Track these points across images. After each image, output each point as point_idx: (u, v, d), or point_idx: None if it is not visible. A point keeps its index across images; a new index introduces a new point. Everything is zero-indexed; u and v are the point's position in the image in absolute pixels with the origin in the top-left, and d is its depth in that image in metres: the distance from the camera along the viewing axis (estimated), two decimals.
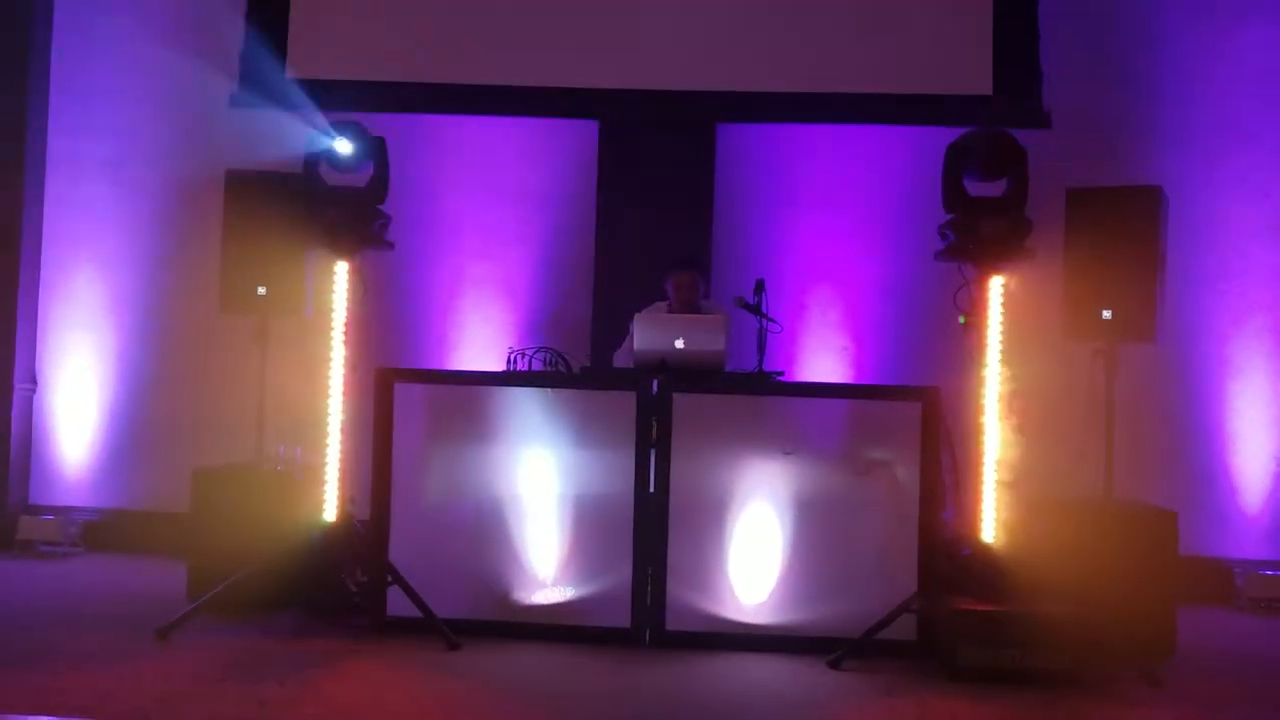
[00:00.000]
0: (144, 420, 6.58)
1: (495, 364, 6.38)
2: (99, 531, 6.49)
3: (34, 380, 6.66)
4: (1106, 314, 4.83)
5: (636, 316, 4.90)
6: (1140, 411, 6.07)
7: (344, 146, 4.71)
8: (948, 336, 4.95)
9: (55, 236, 6.71)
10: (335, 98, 6.27)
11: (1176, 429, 6.27)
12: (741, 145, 6.46)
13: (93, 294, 6.67)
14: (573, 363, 5.13)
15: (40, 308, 6.68)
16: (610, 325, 6.05)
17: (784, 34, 6.14)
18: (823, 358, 6.47)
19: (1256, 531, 6.27)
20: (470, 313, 6.60)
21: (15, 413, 6.55)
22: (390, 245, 4.97)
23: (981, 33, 6.07)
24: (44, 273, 6.70)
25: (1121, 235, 4.82)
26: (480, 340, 6.59)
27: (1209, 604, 5.96)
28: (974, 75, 6.06)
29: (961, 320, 4.63)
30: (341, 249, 4.74)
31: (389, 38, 6.28)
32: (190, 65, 6.58)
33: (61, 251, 6.70)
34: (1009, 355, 4.59)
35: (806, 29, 6.14)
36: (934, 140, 6.01)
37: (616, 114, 6.30)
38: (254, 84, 6.26)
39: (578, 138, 6.48)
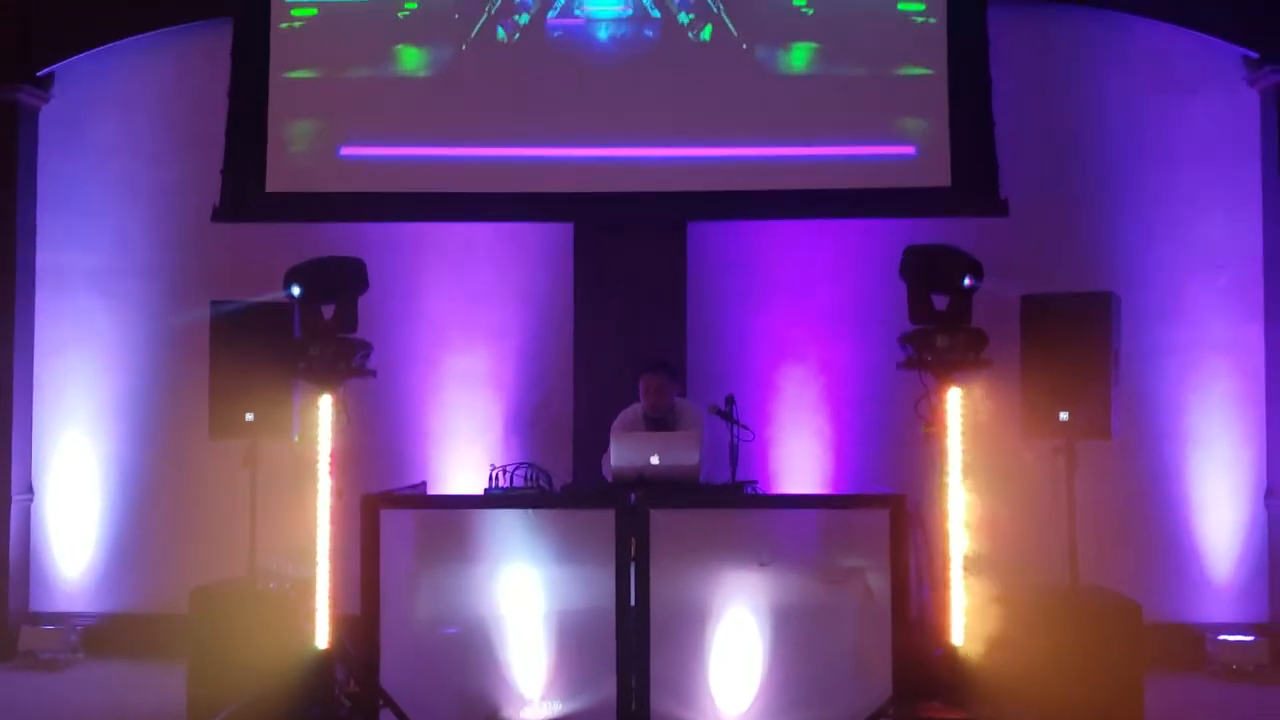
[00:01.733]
0: (140, 528, 6.75)
1: (484, 455, 6.58)
2: (99, 636, 6.65)
3: (30, 490, 6.82)
4: (1064, 415, 5.03)
5: (613, 436, 5.07)
6: (1105, 496, 6.28)
7: (296, 291, 4.86)
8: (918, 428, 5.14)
9: (46, 347, 6.88)
10: (314, 209, 6.50)
11: (1142, 506, 6.47)
12: (712, 241, 6.66)
13: (86, 403, 6.84)
14: (554, 477, 5.31)
15: (34, 416, 6.85)
16: (591, 417, 6.24)
17: (750, 134, 6.34)
18: (799, 437, 6.66)
19: (1225, 597, 6.47)
20: (457, 406, 6.78)
21: (14, 523, 6.71)
22: (372, 374, 5.15)
23: (939, 127, 6.28)
24: (36, 382, 6.87)
25: (1075, 340, 5.02)
26: (467, 433, 6.76)
27: (1182, 671, 6.16)
28: (933, 169, 6.26)
29: (924, 429, 4.82)
30: (324, 384, 4.91)
31: (366, 151, 6.46)
32: (173, 181, 6.79)
33: (53, 362, 6.88)
34: (971, 461, 4.79)
35: (772, 129, 6.34)
36: (897, 229, 6.29)
37: (589, 216, 6.49)
38: (235, 199, 6.44)
39: (554, 238, 6.68)
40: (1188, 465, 6.50)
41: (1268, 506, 6.40)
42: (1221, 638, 6.20)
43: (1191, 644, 6.30)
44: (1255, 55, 6.42)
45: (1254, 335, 6.50)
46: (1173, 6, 6.48)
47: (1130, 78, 6.62)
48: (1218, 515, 6.48)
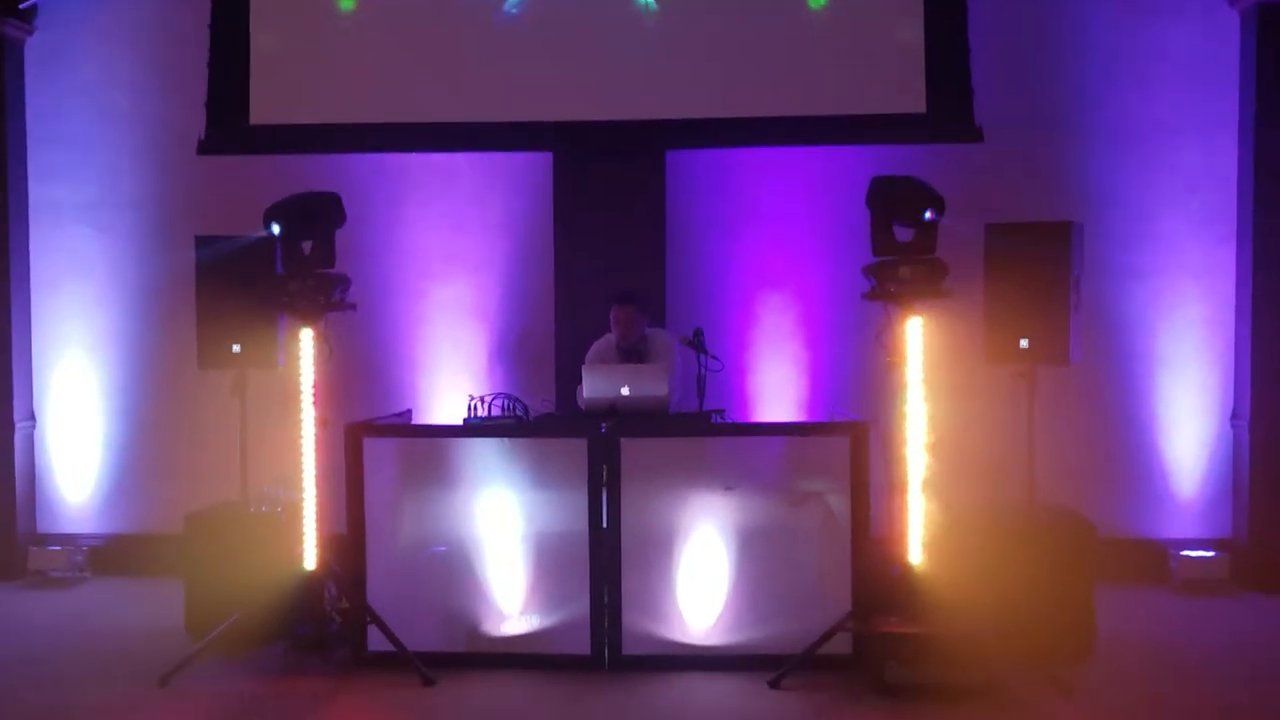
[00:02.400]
0: (138, 453, 6.99)
1: (469, 383, 6.77)
2: (103, 556, 6.93)
3: (33, 417, 7.05)
4: (1024, 342, 5.17)
5: (584, 368, 5.25)
6: (1074, 418, 6.47)
7: (275, 229, 4.99)
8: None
9: (42, 279, 7.05)
10: (297, 140, 6.60)
11: (1111, 426, 6.63)
12: (690, 170, 6.75)
13: (82, 333, 7.03)
14: (534, 405, 5.50)
15: (34, 346, 7.05)
16: (572, 346, 6.39)
17: (727, 63, 6.39)
18: (776, 363, 6.82)
19: (1190, 514, 6.66)
20: (442, 336, 6.94)
21: (18, 449, 6.95)
22: (352, 307, 5.29)
23: (914, 54, 6.32)
24: (34, 313, 7.05)
25: (1035, 268, 5.14)
26: (452, 362, 6.93)
27: (1145, 585, 6.39)
28: (908, 95, 6.32)
29: (887, 359, 4.96)
30: (305, 318, 5.07)
31: (347, 81, 6.54)
32: (158, 114, 6.89)
33: (49, 293, 7.05)
34: (934, 388, 4.94)
35: (748, 57, 6.38)
36: (873, 157, 6.38)
37: (569, 145, 6.57)
38: (220, 132, 6.55)
39: (533, 168, 6.77)
40: (1157, 387, 6.65)
41: (1233, 428, 6.56)
42: (1184, 553, 6.41)
43: (1157, 559, 6.52)
44: None
45: (1226, 259, 6.59)
46: None
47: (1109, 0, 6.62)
48: (1185, 436, 6.65)
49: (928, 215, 4.79)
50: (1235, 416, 6.54)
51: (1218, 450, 6.61)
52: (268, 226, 4.98)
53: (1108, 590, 5.85)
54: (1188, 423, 6.63)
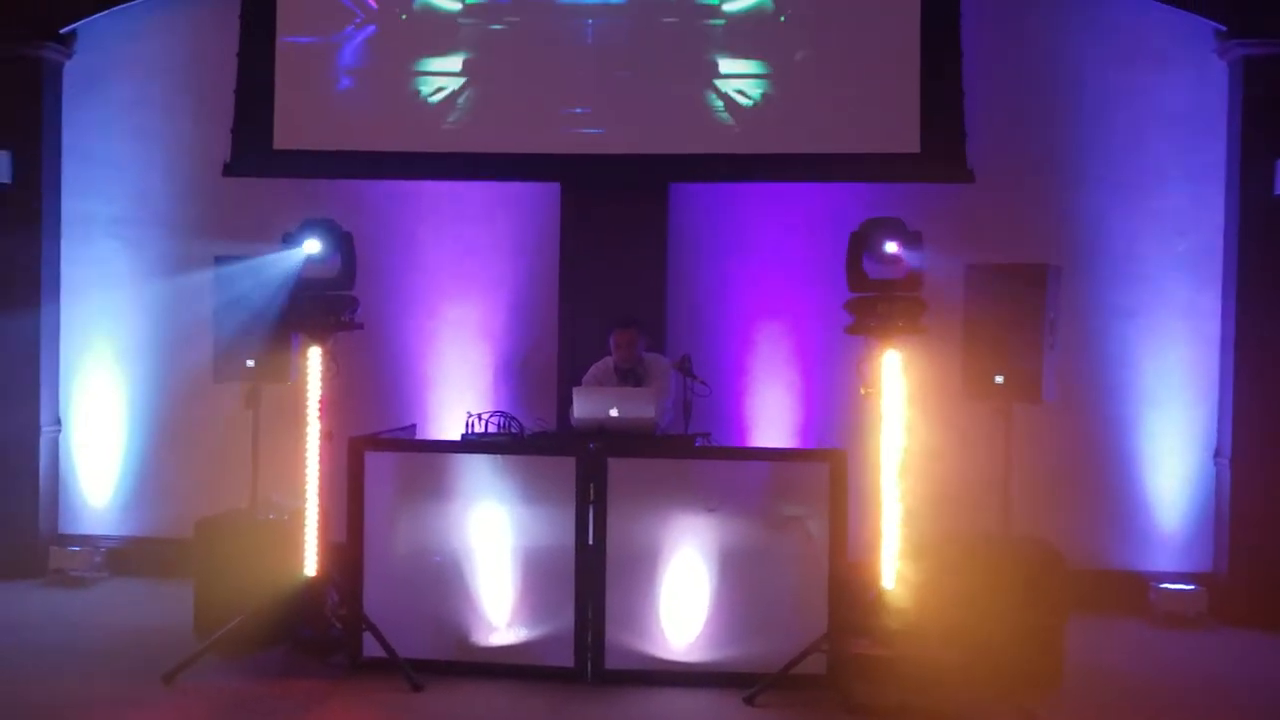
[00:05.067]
0: (155, 460, 7.29)
1: (474, 400, 7.03)
2: (120, 557, 7.22)
3: (58, 422, 7.37)
4: (999, 379, 5.37)
5: (575, 389, 5.50)
6: (1058, 451, 6.66)
7: (313, 246, 5.30)
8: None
9: (71, 290, 7.37)
10: (317, 165, 6.91)
11: (1097, 460, 6.81)
12: (692, 202, 7.00)
13: (107, 343, 7.35)
14: (530, 423, 5.76)
15: (60, 355, 7.37)
16: (574, 367, 6.64)
17: (728, 101, 6.65)
18: (772, 388, 7.04)
19: (1171, 548, 6.82)
20: (450, 354, 7.21)
21: (43, 452, 7.26)
22: (359, 326, 5.57)
23: (909, 96, 6.55)
24: (63, 323, 7.38)
25: (1012, 308, 5.34)
26: (459, 379, 7.19)
27: (1124, 616, 6.54)
28: (903, 135, 6.55)
29: (863, 391, 5.18)
30: (315, 335, 5.35)
31: (365, 111, 6.85)
32: (187, 137, 7.21)
33: (77, 304, 7.37)
34: (912, 421, 5.14)
35: (750, 95, 6.64)
36: (867, 194, 6.62)
37: (576, 177, 6.85)
38: (245, 155, 6.87)
39: (541, 197, 7.04)
40: (1142, 424, 6.81)
41: (1215, 465, 6.72)
42: (1163, 586, 6.56)
43: (1137, 592, 6.67)
44: (1224, 29, 6.59)
45: (1211, 301, 6.76)
46: None
47: (1103, 49, 6.82)
48: (1168, 471, 6.81)
49: (890, 249, 4.99)
50: (1218, 454, 6.70)
51: (1199, 486, 6.77)
52: (288, 244, 5.25)
53: (1086, 621, 6.04)
54: (1171, 459, 6.79)
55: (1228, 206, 6.70)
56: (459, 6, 6.81)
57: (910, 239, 5.01)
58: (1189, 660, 5.87)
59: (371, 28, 6.88)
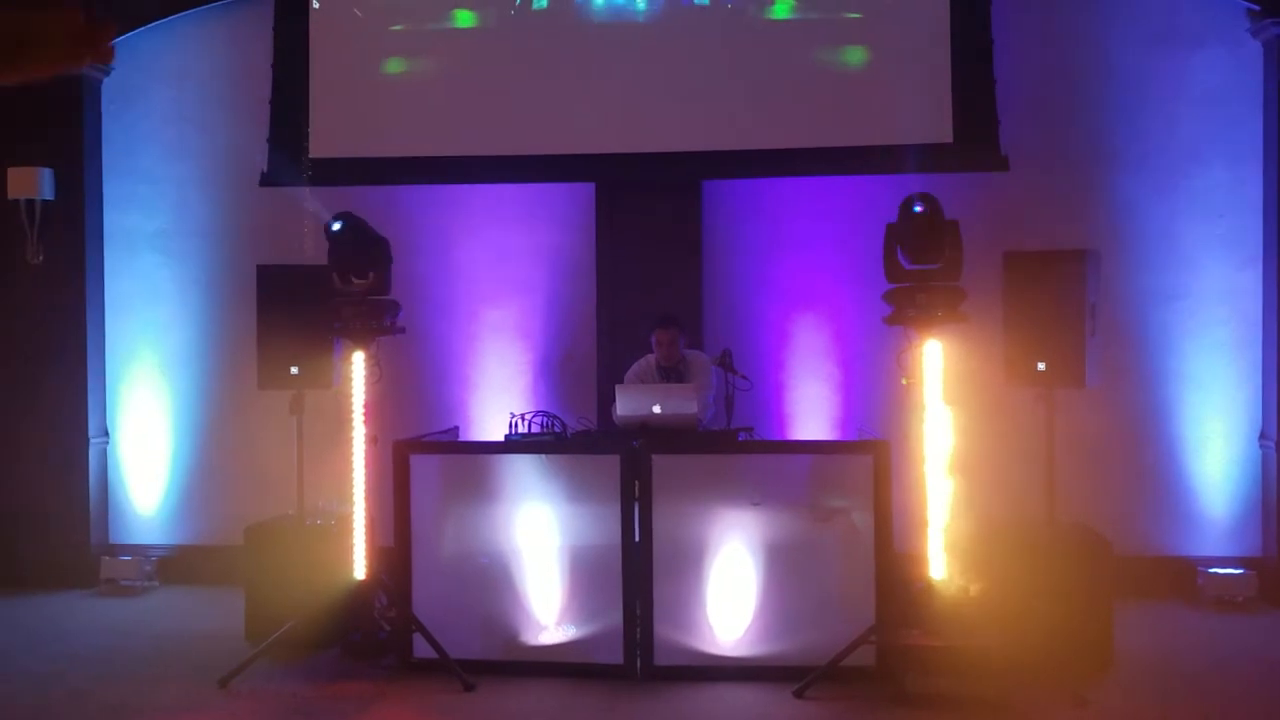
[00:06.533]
0: (202, 468, 7.39)
1: (515, 400, 7.08)
2: (170, 566, 7.32)
3: (106, 433, 7.48)
4: (1041, 366, 5.35)
5: (617, 387, 5.52)
6: (1104, 437, 6.62)
7: (336, 225, 5.31)
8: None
9: (115, 303, 7.49)
10: (354, 173, 6.97)
11: (1141, 445, 6.76)
12: (726, 198, 7.01)
13: (151, 354, 7.45)
14: (572, 421, 5.79)
15: (106, 366, 7.49)
16: (613, 365, 6.68)
17: (760, 96, 6.66)
18: (810, 382, 7.04)
19: (1219, 532, 6.76)
20: (490, 356, 7.26)
21: (93, 463, 7.38)
22: (401, 330, 5.62)
23: (941, 86, 6.53)
24: (108, 336, 7.49)
25: (1052, 294, 5.33)
26: (500, 380, 7.25)
27: (1173, 602, 6.50)
28: (935, 126, 6.53)
29: (904, 381, 5.18)
30: (358, 341, 5.41)
31: (400, 117, 6.90)
32: (224, 148, 7.31)
33: (121, 316, 7.48)
34: (955, 409, 5.14)
35: (780, 90, 6.65)
36: (901, 186, 6.56)
37: (610, 176, 6.88)
38: (281, 163, 6.94)
39: (577, 197, 7.08)
40: (1186, 407, 6.77)
41: (1261, 448, 6.66)
42: (1211, 570, 6.52)
43: (1185, 577, 6.62)
44: (1257, 8, 6.54)
45: (1252, 282, 6.70)
46: None
47: (1135, 31, 6.78)
48: (1213, 455, 6.76)
49: (917, 208, 4.97)
50: (1263, 437, 6.64)
51: (1246, 470, 6.71)
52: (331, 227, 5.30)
53: (1135, 606, 6.02)
54: (1215, 443, 6.74)
55: (1266, 185, 6.64)
56: (491, 12, 6.85)
57: (951, 231, 4.99)
58: (1240, 644, 5.83)
59: (405, 36, 6.93)
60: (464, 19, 6.89)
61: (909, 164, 6.55)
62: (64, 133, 7.26)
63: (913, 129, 6.55)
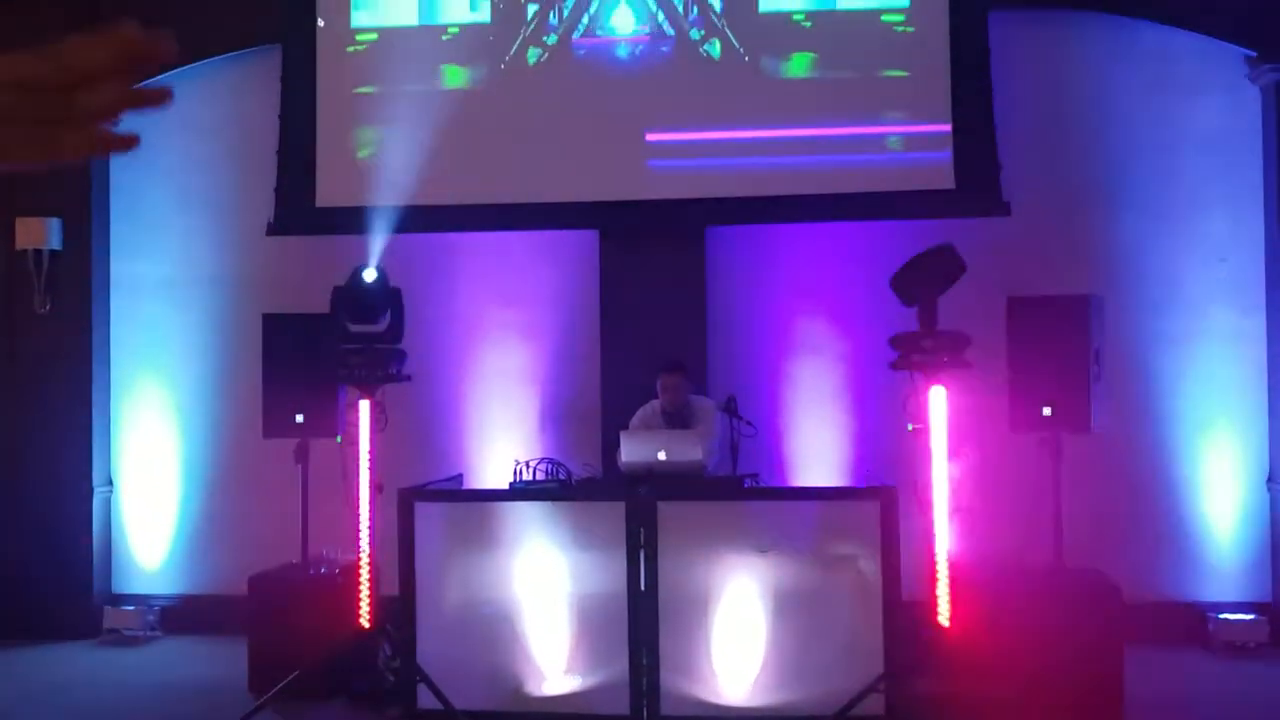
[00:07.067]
0: (206, 518, 7.37)
1: (519, 447, 7.06)
2: (174, 616, 7.28)
3: (110, 482, 7.47)
4: (1046, 410, 5.35)
5: (622, 433, 5.52)
6: (1108, 482, 6.59)
7: (370, 274, 5.35)
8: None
9: (121, 351, 7.50)
10: (360, 221, 7.00)
11: (1148, 490, 6.74)
12: (730, 244, 7.04)
13: (156, 403, 7.46)
14: (577, 468, 5.78)
15: (111, 415, 7.49)
16: (617, 411, 6.65)
17: (762, 143, 6.71)
18: (815, 427, 7.03)
19: (1229, 578, 6.72)
20: (493, 402, 7.26)
21: (96, 513, 7.36)
22: (407, 378, 5.63)
23: (941, 132, 6.58)
24: (113, 384, 7.50)
25: (1057, 339, 5.34)
26: (503, 426, 7.24)
27: (1183, 648, 6.44)
28: (936, 172, 6.57)
29: (910, 427, 5.18)
30: (363, 389, 5.41)
31: (405, 166, 6.94)
32: (231, 197, 7.36)
33: (127, 365, 7.50)
34: (960, 455, 5.14)
35: (785, 138, 6.70)
36: (903, 231, 6.63)
37: (614, 222, 6.91)
38: (287, 214, 6.99)
39: (581, 243, 7.11)
40: (1192, 452, 6.75)
41: (1270, 491, 6.63)
42: (1222, 616, 6.47)
43: (1195, 622, 6.57)
44: (1255, 54, 6.60)
45: (1256, 327, 6.71)
46: (1174, 10, 6.68)
47: (1133, 78, 6.84)
48: (1221, 499, 6.73)
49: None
50: (1271, 480, 6.62)
51: (1255, 514, 6.68)
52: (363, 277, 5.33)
53: (1145, 652, 5.95)
54: (1224, 486, 6.72)
55: (1268, 229, 6.66)
56: (493, 63, 6.92)
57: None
58: (1251, 691, 5.78)
59: (409, 84, 7.00)
60: (459, 76, 6.96)
61: (911, 210, 6.60)
62: (71, 181, 7.30)
63: (914, 175, 6.59)
